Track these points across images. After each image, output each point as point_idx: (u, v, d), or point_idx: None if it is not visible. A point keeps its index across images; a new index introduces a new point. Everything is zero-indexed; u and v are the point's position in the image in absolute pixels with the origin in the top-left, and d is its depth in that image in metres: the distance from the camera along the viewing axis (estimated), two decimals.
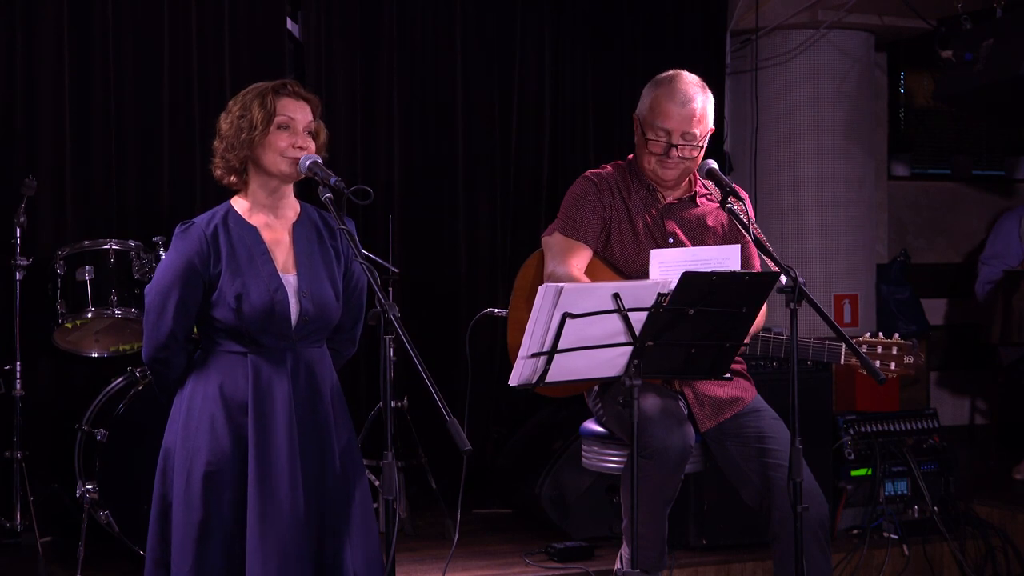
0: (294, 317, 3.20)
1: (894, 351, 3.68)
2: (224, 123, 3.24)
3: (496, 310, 3.95)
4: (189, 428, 3.18)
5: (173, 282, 3.16)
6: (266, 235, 3.24)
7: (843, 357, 3.67)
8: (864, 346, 3.68)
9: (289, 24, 5.90)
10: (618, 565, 3.97)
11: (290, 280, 3.22)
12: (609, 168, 3.93)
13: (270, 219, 3.27)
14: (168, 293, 3.16)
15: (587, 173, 3.93)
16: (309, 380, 3.25)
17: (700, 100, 3.79)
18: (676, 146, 3.75)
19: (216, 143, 3.26)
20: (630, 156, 3.95)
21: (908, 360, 3.67)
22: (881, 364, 3.67)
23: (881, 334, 3.75)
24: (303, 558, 3.15)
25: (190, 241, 3.17)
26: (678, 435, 3.65)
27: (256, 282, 3.17)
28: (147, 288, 3.24)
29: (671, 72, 3.85)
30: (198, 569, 3.11)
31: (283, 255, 3.25)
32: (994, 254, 6.74)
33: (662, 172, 3.81)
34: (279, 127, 3.21)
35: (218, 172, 3.27)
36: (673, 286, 3.23)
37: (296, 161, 3.20)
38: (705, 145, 3.83)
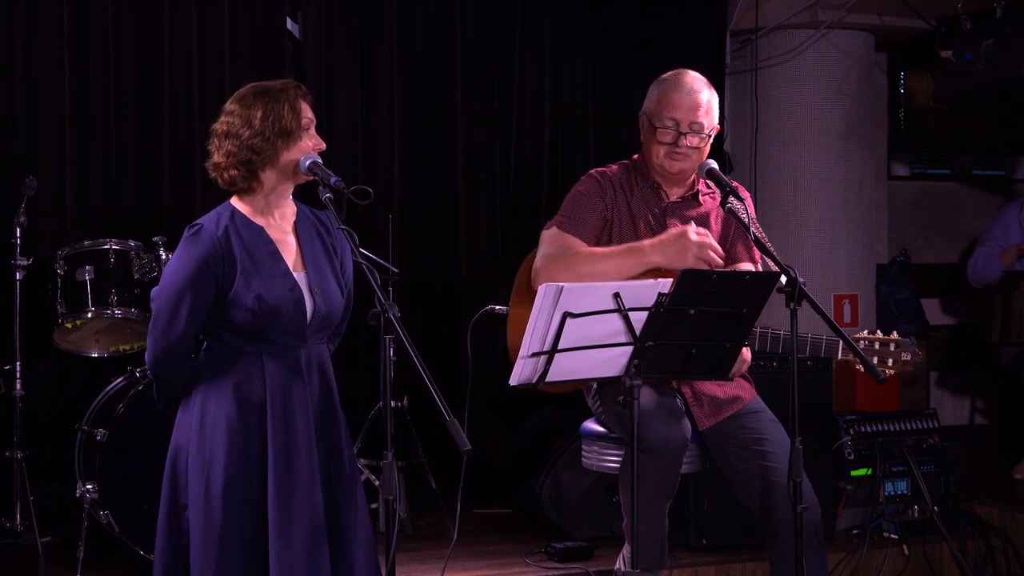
0: (309, 314, 3.21)
1: (891, 348, 3.68)
2: (238, 124, 3.17)
3: (497, 307, 3.95)
4: (204, 432, 3.16)
5: (186, 285, 3.13)
6: (273, 234, 3.24)
7: (840, 352, 3.68)
8: (861, 343, 3.69)
9: (289, 24, 5.91)
10: (619, 565, 3.98)
11: (302, 278, 3.23)
12: (615, 167, 3.96)
13: (273, 219, 3.27)
14: (181, 297, 3.13)
15: (592, 171, 3.96)
16: (321, 376, 3.26)
17: (706, 93, 3.85)
18: (684, 134, 3.78)
19: (229, 145, 3.18)
20: (635, 156, 3.97)
21: (905, 357, 3.67)
22: (878, 361, 3.67)
23: (879, 331, 3.76)
24: (321, 554, 3.15)
25: (203, 243, 3.14)
26: (675, 429, 3.66)
27: (272, 281, 3.17)
28: (155, 292, 3.21)
29: (676, 70, 3.91)
30: (221, 570, 3.11)
31: (291, 254, 3.25)
32: (992, 236, 6.75)
33: (670, 164, 3.83)
34: (304, 129, 3.21)
35: (232, 173, 3.20)
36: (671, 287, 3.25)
37: None
38: (710, 141, 3.85)
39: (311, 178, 3.19)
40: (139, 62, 5.57)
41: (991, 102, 6.09)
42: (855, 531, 5.29)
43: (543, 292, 3.17)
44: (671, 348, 3.36)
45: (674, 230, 3.72)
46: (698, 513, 5.03)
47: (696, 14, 6.63)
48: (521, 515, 5.56)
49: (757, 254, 3.89)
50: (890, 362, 3.67)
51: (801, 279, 3.34)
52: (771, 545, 3.75)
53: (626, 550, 3.90)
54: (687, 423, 3.75)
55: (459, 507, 4.19)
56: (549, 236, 3.84)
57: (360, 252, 3.07)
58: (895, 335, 3.70)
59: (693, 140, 3.80)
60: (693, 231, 3.68)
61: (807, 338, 3.67)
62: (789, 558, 3.46)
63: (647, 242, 3.73)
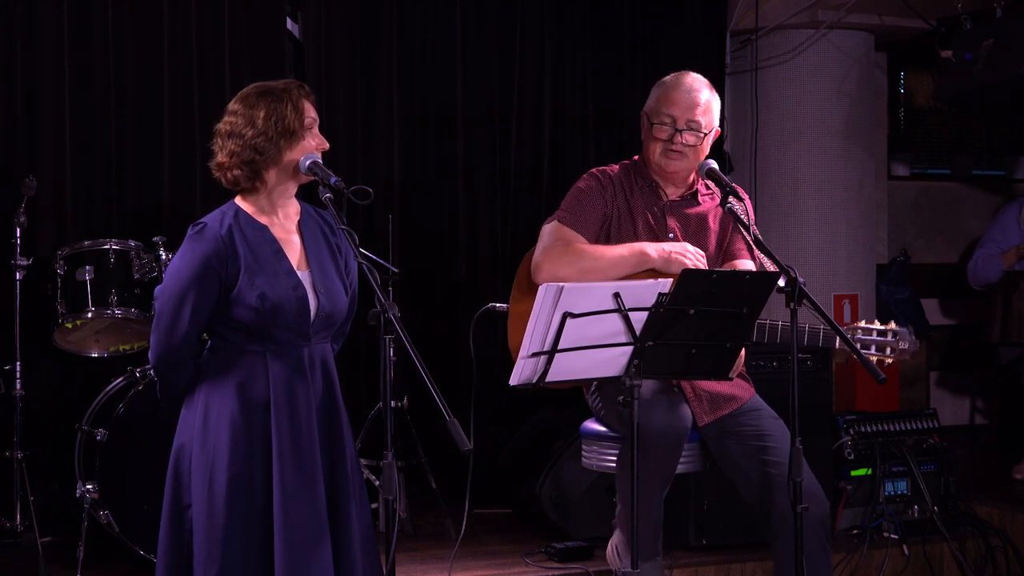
0: (312, 313, 3.21)
1: (889, 337, 3.69)
2: (241, 124, 3.17)
3: (498, 305, 3.96)
4: (207, 430, 3.16)
5: (190, 284, 3.13)
6: (277, 233, 3.24)
7: (836, 342, 3.68)
8: (859, 332, 3.70)
9: (289, 24, 5.91)
10: (610, 551, 3.96)
11: (305, 277, 3.23)
12: (615, 167, 3.99)
13: (276, 218, 3.27)
14: (184, 295, 3.13)
15: (593, 170, 3.99)
16: (325, 375, 3.27)
17: (706, 94, 3.87)
18: (680, 131, 3.81)
19: (232, 145, 3.18)
20: (636, 157, 3.99)
21: (903, 346, 3.68)
22: (876, 350, 3.68)
23: (876, 321, 3.76)
24: (323, 552, 3.16)
25: (206, 241, 3.14)
26: (676, 417, 3.69)
27: (276, 280, 3.17)
28: (158, 291, 3.21)
29: (678, 72, 3.94)
30: (224, 569, 3.11)
31: (295, 253, 3.26)
32: (991, 237, 6.75)
33: (666, 162, 3.85)
34: (307, 128, 3.21)
35: (235, 172, 3.20)
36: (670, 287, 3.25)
37: None
38: (710, 142, 3.87)
39: (313, 178, 3.20)
40: (139, 62, 5.57)
41: (991, 102, 6.10)
42: (855, 531, 5.28)
43: (543, 292, 3.17)
44: (671, 348, 3.37)
45: (678, 244, 3.79)
46: (698, 513, 5.02)
47: (696, 14, 6.64)
48: (521, 515, 5.56)
49: (759, 255, 3.90)
50: (888, 351, 3.68)
51: (801, 279, 3.34)
52: (775, 543, 3.75)
53: (616, 537, 3.90)
54: (687, 411, 3.78)
55: (467, 505, 4.18)
56: (550, 230, 3.87)
57: (360, 252, 3.08)
58: (892, 324, 3.71)
59: (689, 138, 3.82)
60: (692, 247, 3.79)
61: (804, 329, 3.67)
62: (792, 556, 3.46)
63: (651, 248, 3.76)
